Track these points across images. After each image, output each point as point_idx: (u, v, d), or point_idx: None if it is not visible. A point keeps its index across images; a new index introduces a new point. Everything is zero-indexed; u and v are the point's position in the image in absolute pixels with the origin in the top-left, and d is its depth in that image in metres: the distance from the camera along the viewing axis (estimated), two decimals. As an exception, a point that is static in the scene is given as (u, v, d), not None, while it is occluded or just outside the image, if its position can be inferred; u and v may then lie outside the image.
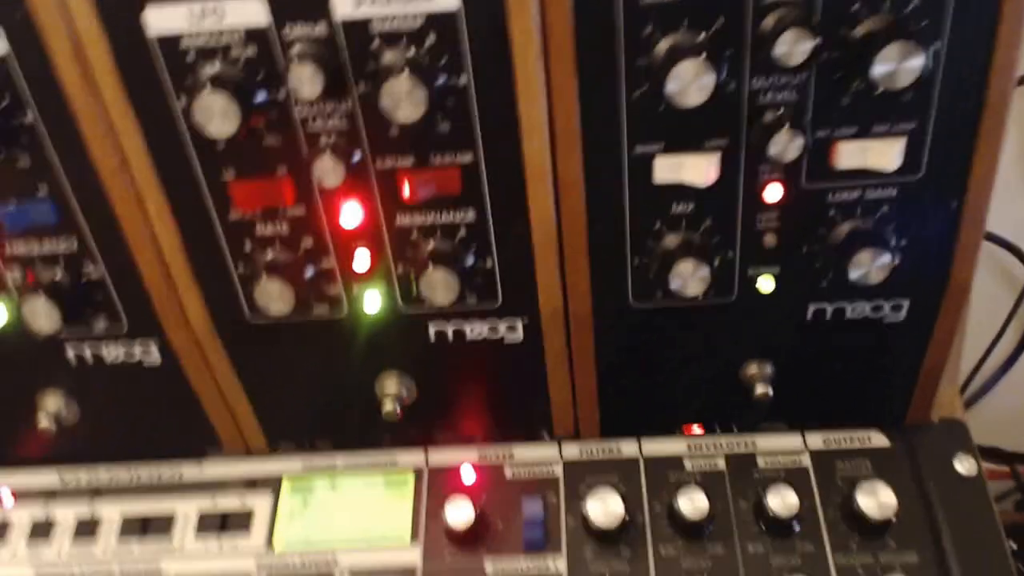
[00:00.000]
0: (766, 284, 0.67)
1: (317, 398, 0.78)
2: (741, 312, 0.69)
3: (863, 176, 0.61)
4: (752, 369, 0.73)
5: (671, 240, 0.64)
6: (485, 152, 0.61)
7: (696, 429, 0.81)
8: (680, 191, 0.62)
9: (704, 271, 0.63)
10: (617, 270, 0.67)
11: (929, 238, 0.64)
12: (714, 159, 0.60)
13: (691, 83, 0.53)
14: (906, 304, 0.69)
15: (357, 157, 0.61)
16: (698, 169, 0.60)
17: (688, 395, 0.78)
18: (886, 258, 0.62)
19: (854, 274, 0.62)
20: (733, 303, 0.69)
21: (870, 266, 0.62)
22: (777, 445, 0.80)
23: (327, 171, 0.60)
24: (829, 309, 0.70)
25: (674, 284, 0.63)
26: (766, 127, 0.57)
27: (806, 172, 0.61)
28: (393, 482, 0.81)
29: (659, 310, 0.69)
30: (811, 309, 0.70)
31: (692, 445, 0.81)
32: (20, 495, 0.83)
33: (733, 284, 0.68)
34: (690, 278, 0.63)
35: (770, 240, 0.65)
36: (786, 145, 0.57)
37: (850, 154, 0.60)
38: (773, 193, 0.62)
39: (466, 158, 0.61)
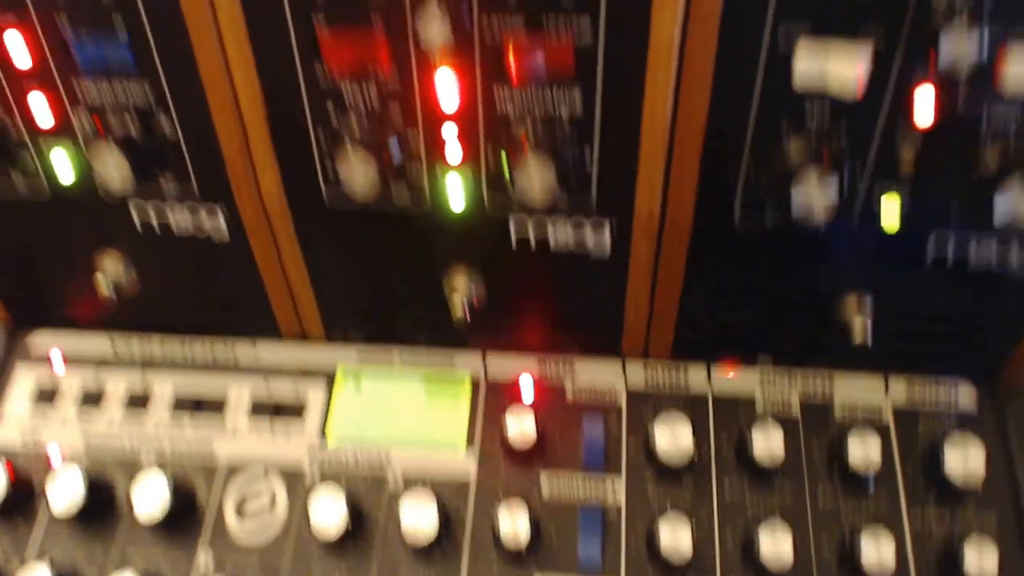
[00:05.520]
0: (890, 212, 0.57)
1: (382, 293, 0.70)
2: (855, 243, 0.59)
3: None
4: (851, 305, 0.63)
5: (797, 152, 0.54)
6: (607, 19, 0.50)
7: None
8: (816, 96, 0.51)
9: (831, 194, 0.52)
10: (727, 180, 0.57)
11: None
12: (866, 52, 0.48)
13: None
14: (1038, 250, 0.59)
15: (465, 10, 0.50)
16: (846, 66, 0.48)
17: (773, 327, 0.68)
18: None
19: (1000, 208, 0.51)
20: (848, 232, 0.58)
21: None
22: (858, 390, 0.70)
23: (432, 19, 0.49)
24: (951, 247, 0.59)
25: (797, 205, 0.53)
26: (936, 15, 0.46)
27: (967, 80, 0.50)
28: (450, 384, 0.73)
29: (766, 229, 0.59)
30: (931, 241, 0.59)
31: (765, 380, 0.72)
32: (71, 360, 0.75)
33: (853, 211, 0.57)
34: (815, 201, 0.53)
35: (907, 156, 0.54)
36: (956, 41, 0.46)
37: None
38: (924, 106, 0.51)
39: (583, 25, 0.50)
